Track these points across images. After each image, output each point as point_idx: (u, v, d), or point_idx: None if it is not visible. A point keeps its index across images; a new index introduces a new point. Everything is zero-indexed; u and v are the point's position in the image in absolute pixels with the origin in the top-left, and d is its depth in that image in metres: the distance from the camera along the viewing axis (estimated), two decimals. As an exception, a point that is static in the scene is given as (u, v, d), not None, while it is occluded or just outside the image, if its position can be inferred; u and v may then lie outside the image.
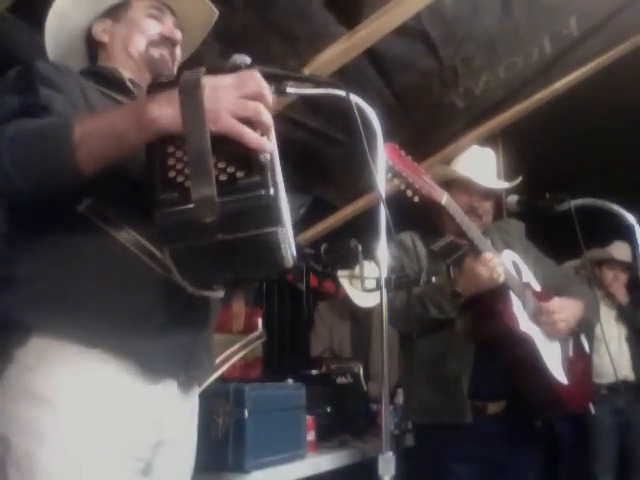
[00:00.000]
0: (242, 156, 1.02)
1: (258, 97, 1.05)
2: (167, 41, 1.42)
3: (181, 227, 1.02)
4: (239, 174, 1.01)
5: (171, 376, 1.23)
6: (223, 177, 1.01)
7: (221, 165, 1.02)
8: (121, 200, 1.16)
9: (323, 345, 3.67)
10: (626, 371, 3.74)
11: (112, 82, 1.35)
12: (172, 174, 1.01)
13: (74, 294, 1.13)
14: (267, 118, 1.05)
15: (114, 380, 1.14)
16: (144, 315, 1.16)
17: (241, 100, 1.03)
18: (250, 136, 1.02)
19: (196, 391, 1.36)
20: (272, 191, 1.01)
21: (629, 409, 3.72)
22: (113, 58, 1.41)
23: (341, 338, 3.81)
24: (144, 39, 1.40)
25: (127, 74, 1.38)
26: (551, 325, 2.22)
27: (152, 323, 1.17)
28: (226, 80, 1.04)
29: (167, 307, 1.18)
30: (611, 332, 3.72)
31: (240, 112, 1.02)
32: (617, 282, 3.89)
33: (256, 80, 1.06)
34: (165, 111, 1.01)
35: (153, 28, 1.42)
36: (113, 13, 1.43)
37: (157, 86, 1.10)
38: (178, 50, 1.46)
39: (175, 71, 1.45)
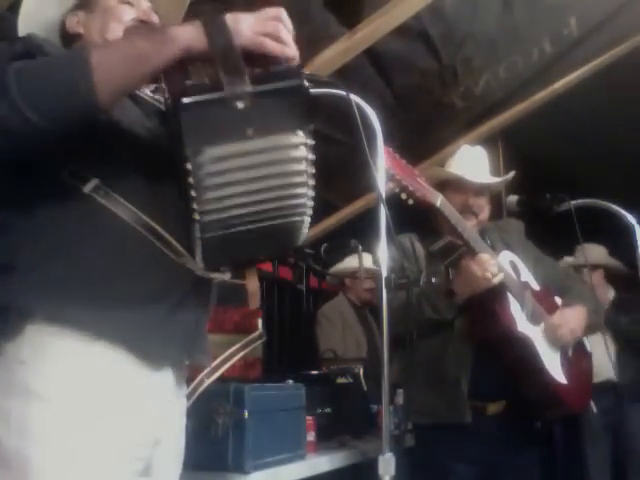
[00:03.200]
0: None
1: (277, 20, 1.08)
2: (144, 26, 1.38)
3: (207, 120, 1.00)
4: (272, 68, 1.06)
5: (175, 361, 1.22)
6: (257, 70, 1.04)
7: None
8: (130, 181, 1.14)
9: (337, 346, 3.60)
10: (611, 372, 3.72)
11: None
12: (201, 81, 1.02)
13: (78, 281, 1.10)
14: (287, 36, 1.08)
15: (114, 371, 1.12)
16: (151, 301, 1.14)
17: (260, 20, 1.07)
18: (271, 45, 1.06)
19: (184, 391, 1.35)
20: (306, 83, 1.04)
21: (618, 408, 3.71)
22: None
23: (356, 338, 3.76)
24: (120, 26, 1.36)
25: None
26: (558, 339, 2.22)
27: (159, 309, 1.15)
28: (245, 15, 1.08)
29: (174, 292, 1.17)
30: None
31: (259, 29, 1.06)
32: (601, 285, 3.85)
33: (274, 9, 1.09)
34: (187, 30, 1.04)
35: (128, 14, 1.38)
36: (84, 4, 1.40)
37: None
38: None
39: None
